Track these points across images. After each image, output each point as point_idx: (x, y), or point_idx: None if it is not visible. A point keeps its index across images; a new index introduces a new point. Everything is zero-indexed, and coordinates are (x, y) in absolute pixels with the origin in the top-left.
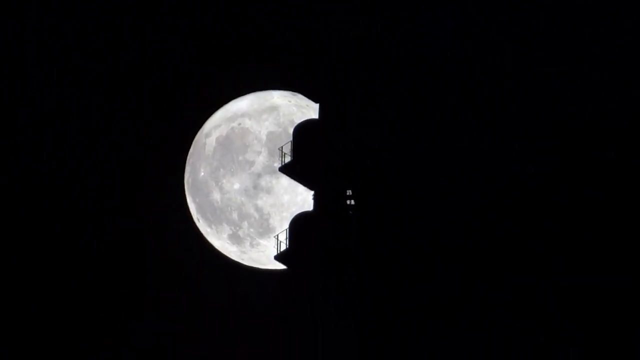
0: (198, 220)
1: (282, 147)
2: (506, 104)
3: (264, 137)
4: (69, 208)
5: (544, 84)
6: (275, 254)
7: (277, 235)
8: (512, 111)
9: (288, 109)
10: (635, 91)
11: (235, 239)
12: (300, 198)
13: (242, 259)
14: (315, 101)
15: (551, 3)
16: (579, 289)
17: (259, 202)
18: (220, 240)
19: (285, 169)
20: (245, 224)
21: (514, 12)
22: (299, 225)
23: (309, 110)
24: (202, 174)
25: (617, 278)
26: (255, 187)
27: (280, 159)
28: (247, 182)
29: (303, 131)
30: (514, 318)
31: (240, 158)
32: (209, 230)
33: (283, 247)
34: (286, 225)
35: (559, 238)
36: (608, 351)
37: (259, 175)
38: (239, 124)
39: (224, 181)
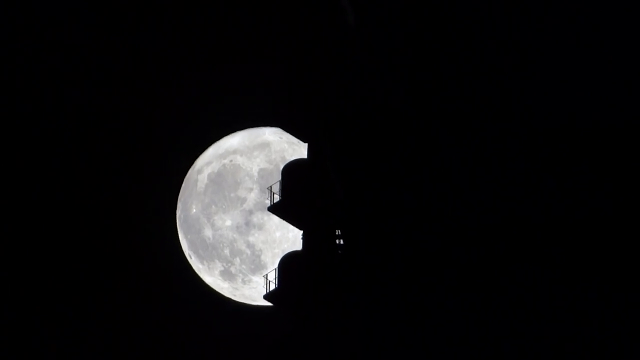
0: (190, 256)
1: (271, 186)
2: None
3: (256, 174)
4: (58, 251)
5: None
6: (265, 293)
7: (267, 275)
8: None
9: (279, 145)
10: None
11: (227, 275)
12: (292, 234)
13: (234, 295)
14: (304, 140)
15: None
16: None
17: (251, 239)
18: (212, 277)
19: (274, 209)
20: (237, 260)
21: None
22: (288, 264)
23: (300, 147)
24: (194, 210)
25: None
26: (247, 223)
27: (270, 198)
28: (238, 218)
29: (291, 171)
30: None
31: (232, 195)
32: (200, 266)
33: (272, 287)
34: (278, 262)
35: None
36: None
37: (251, 212)
38: (231, 161)
39: (216, 218)
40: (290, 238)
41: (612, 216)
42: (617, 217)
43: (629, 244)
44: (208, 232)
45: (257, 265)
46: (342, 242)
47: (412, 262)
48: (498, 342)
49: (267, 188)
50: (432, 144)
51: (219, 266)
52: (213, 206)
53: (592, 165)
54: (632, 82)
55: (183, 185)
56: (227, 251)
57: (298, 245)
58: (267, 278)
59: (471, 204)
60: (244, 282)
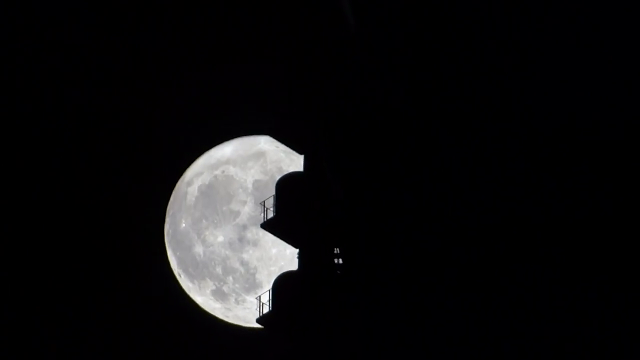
0: (179, 275)
1: (264, 202)
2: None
3: (250, 186)
4: (58, 251)
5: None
6: (258, 316)
7: (260, 297)
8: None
9: (276, 155)
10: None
11: (219, 295)
12: (290, 251)
13: (227, 317)
14: (299, 152)
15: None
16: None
17: (245, 256)
18: (203, 297)
19: (268, 226)
20: (230, 279)
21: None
22: (283, 286)
23: (299, 156)
24: (184, 225)
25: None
26: (241, 239)
27: (263, 214)
28: (231, 234)
29: (286, 185)
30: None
31: (225, 208)
32: (190, 285)
33: (266, 309)
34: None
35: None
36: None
37: (245, 227)
38: (223, 172)
39: (207, 233)
40: (288, 255)
41: (612, 216)
42: (617, 217)
43: (629, 244)
44: (199, 249)
45: (251, 285)
46: (340, 261)
47: (412, 262)
48: (498, 342)
49: (260, 203)
50: (432, 144)
51: (210, 285)
52: (204, 220)
53: (592, 165)
54: (632, 82)
55: (171, 198)
56: (219, 269)
57: (296, 263)
58: (260, 300)
59: (471, 204)
60: (237, 302)
